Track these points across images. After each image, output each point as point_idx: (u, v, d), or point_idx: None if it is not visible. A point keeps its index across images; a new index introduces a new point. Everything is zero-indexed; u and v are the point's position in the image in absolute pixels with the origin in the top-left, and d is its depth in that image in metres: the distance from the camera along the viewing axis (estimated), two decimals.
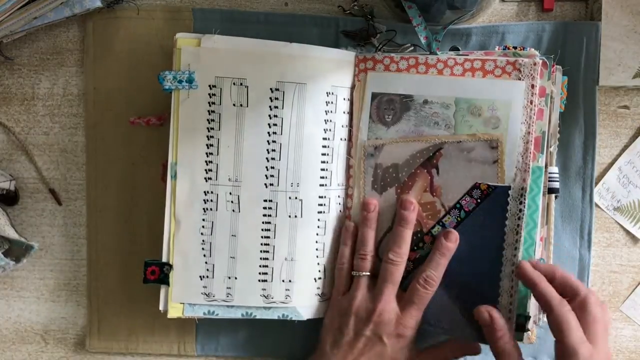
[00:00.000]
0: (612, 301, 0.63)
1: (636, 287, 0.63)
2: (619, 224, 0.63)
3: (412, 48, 0.60)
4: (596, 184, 0.62)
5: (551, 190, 0.57)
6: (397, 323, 0.55)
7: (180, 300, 0.59)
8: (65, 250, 0.65)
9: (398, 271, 0.56)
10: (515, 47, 0.57)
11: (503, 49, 0.57)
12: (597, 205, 0.62)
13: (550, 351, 0.62)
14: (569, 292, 0.52)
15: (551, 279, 0.53)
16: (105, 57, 0.63)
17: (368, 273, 0.57)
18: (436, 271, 0.55)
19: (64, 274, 0.65)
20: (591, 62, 0.60)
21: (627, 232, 0.63)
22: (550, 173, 0.57)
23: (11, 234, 0.62)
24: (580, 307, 0.51)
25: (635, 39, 0.60)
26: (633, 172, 0.62)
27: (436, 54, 0.57)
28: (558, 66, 0.57)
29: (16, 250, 0.63)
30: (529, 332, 0.57)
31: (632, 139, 0.63)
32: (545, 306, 0.51)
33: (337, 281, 0.59)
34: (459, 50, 0.59)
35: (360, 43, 0.62)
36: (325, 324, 0.58)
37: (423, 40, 0.57)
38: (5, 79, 0.64)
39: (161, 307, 0.59)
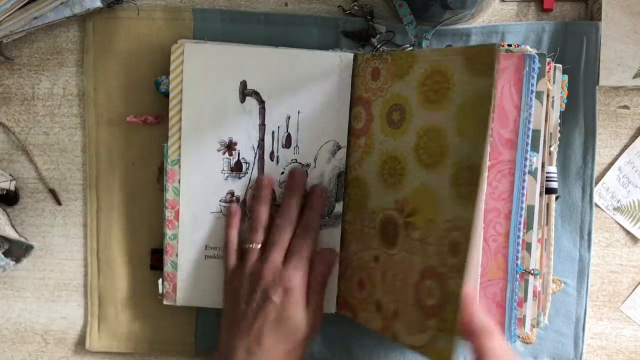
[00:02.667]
0: (612, 301, 0.63)
1: (636, 287, 0.63)
2: (618, 224, 0.63)
3: (411, 48, 0.60)
4: (596, 184, 0.62)
5: (549, 191, 0.57)
6: (281, 278, 0.54)
7: (186, 302, 0.61)
8: (65, 250, 0.65)
9: (284, 235, 0.57)
10: (509, 45, 0.57)
11: (497, 47, 0.57)
12: (597, 205, 0.62)
13: (550, 351, 0.62)
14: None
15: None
16: (105, 57, 0.63)
17: (259, 245, 0.57)
18: (310, 223, 0.57)
19: (64, 274, 0.65)
20: (591, 62, 0.60)
21: (627, 232, 0.63)
22: (548, 173, 0.57)
23: (11, 234, 0.62)
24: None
25: (635, 39, 0.60)
26: (633, 172, 0.62)
27: None
28: (558, 65, 0.57)
29: (16, 250, 0.63)
30: (529, 333, 0.57)
31: (632, 139, 0.63)
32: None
33: (227, 259, 0.59)
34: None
35: (361, 43, 0.62)
36: (223, 304, 0.58)
37: (413, 39, 0.58)
38: (5, 79, 0.64)
39: (160, 291, 0.61)
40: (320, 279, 0.57)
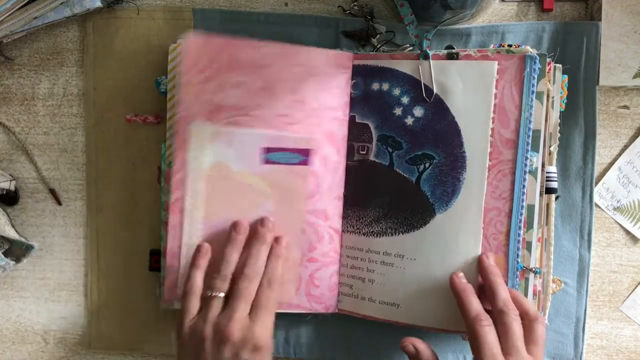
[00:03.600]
0: (612, 301, 0.63)
1: (636, 287, 0.63)
2: (618, 224, 0.63)
3: (411, 48, 0.60)
4: (596, 184, 0.62)
5: (549, 190, 0.57)
6: (251, 336, 0.52)
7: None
8: (65, 250, 0.65)
9: (252, 288, 0.54)
10: (510, 45, 0.57)
11: (498, 47, 0.57)
12: (597, 205, 0.62)
13: (550, 351, 0.62)
14: (490, 300, 0.53)
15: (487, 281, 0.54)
16: (105, 57, 0.63)
17: (223, 294, 0.54)
18: (275, 273, 0.55)
19: (64, 274, 0.65)
20: (591, 62, 0.60)
21: (627, 232, 0.63)
22: (548, 173, 0.57)
23: (11, 234, 0.62)
24: (498, 317, 0.51)
25: (635, 39, 0.60)
26: (633, 172, 0.62)
27: (427, 53, 0.57)
28: (558, 65, 0.57)
29: (16, 250, 0.63)
30: None
31: (632, 139, 0.63)
32: (465, 321, 0.52)
33: (188, 304, 0.55)
34: (453, 48, 0.59)
35: (361, 43, 0.62)
36: (180, 353, 0.54)
37: (414, 39, 0.58)
38: (5, 79, 0.64)
39: (157, 293, 0.61)
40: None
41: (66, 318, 0.66)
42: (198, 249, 0.57)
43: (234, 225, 0.57)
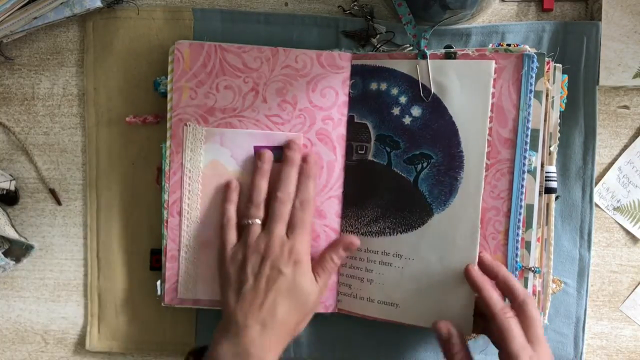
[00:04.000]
0: (612, 301, 0.63)
1: (636, 287, 0.63)
2: (618, 224, 0.63)
3: (410, 48, 0.60)
4: (596, 184, 0.62)
5: (549, 190, 0.57)
6: (290, 251, 0.54)
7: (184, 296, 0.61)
8: (65, 250, 0.65)
9: (286, 208, 0.56)
10: (509, 45, 0.57)
11: (496, 46, 0.57)
12: (597, 205, 0.62)
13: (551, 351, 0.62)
14: (507, 293, 0.53)
15: (494, 277, 0.54)
16: (105, 57, 0.63)
17: (259, 220, 0.56)
18: (307, 192, 0.57)
19: (64, 274, 0.65)
20: (591, 62, 0.60)
21: (627, 232, 0.63)
22: (548, 172, 0.57)
23: (11, 234, 0.62)
24: (519, 309, 0.51)
25: (635, 39, 0.60)
26: (633, 172, 0.62)
27: (424, 52, 0.57)
28: (558, 65, 0.57)
29: (16, 250, 0.63)
30: None
31: (632, 139, 0.63)
32: (489, 313, 0.52)
33: (226, 235, 0.57)
34: (452, 48, 0.59)
35: (361, 43, 0.62)
36: (222, 281, 0.57)
37: (412, 38, 0.58)
38: (5, 79, 0.64)
39: (159, 292, 0.60)
40: (330, 263, 0.57)
41: (66, 318, 0.66)
42: (228, 185, 0.59)
43: (259, 155, 0.58)
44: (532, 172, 0.55)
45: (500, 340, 0.50)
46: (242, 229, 0.57)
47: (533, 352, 0.49)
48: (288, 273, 0.54)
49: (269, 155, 0.58)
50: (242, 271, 0.55)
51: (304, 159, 0.58)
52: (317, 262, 0.57)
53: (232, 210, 0.58)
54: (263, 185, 0.57)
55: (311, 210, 0.57)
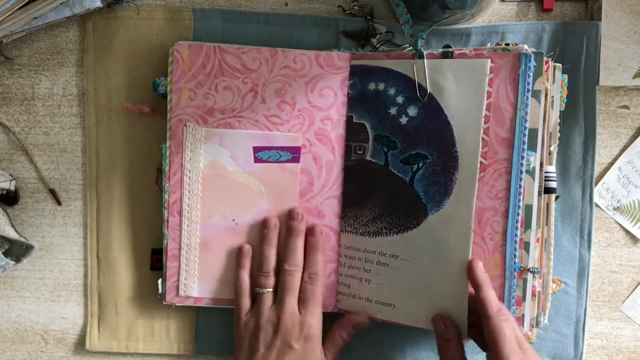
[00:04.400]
0: (612, 301, 0.63)
1: (636, 287, 0.63)
2: (618, 224, 0.63)
3: (410, 48, 0.60)
4: (596, 184, 0.62)
5: (548, 190, 0.57)
6: (302, 326, 0.56)
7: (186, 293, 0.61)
8: (65, 250, 0.65)
9: (296, 279, 0.58)
10: (507, 44, 0.56)
11: (495, 45, 0.57)
12: (597, 205, 0.62)
13: (550, 351, 0.62)
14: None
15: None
16: (105, 57, 0.63)
17: (271, 289, 0.58)
18: (316, 266, 0.58)
19: (64, 274, 0.65)
20: (591, 62, 0.60)
21: (627, 232, 0.63)
22: (547, 172, 0.56)
23: (11, 234, 0.62)
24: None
25: (635, 39, 0.60)
26: (633, 172, 0.62)
27: (421, 52, 0.57)
28: (557, 64, 0.57)
29: (16, 250, 0.63)
30: (529, 332, 0.57)
31: (632, 139, 0.63)
32: (483, 313, 0.52)
33: (240, 301, 0.59)
34: (450, 47, 0.59)
35: (361, 43, 0.62)
36: (236, 345, 0.58)
37: (409, 38, 0.58)
38: (5, 79, 0.64)
39: (160, 290, 0.61)
40: (340, 340, 0.59)
41: (66, 318, 0.66)
42: (240, 250, 0.60)
43: (265, 223, 0.60)
44: (530, 172, 0.55)
45: (491, 342, 0.50)
46: (256, 295, 0.59)
47: (523, 356, 0.49)
48: (298, 348, 0.56)
49: (274, 223, 0.60)
50: (255, 340, 0.57)
51: (310, 231, 0.59)
52: (328, 338, 0.59)
53: (245, 276, 0.59)
54: (272, 254, 0.59)
55: (321, 282, 0.58)
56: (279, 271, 0.59)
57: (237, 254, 0.60)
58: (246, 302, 0.59)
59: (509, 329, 0.50)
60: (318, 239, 0.59)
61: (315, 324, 0.57)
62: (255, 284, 0.59)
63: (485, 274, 0.54)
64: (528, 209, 0.55)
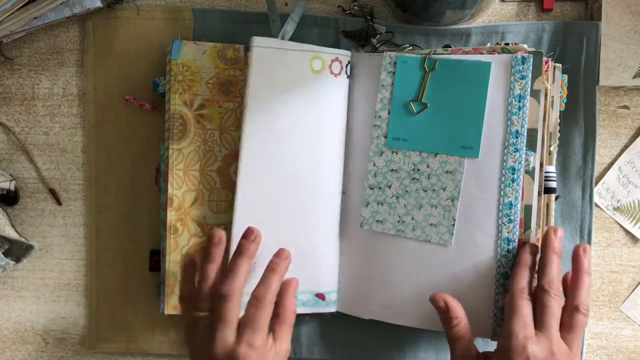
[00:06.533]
0: (612, 301, 0.63)
1: (636, 287, 0.63)
2: (618, 224, 0.63)
3: (410, 48, 0.60)
4: (596, 184, 0.62)
5: (548, 190, 0.57)
6: (229, 354, 0.51)
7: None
8: (65, 250, 0.65)
9: (232, 305, 0.52)
10: (507, 44, 0.56)
11: (494, 45, 0.57)
12: (597, 205, 0.62)
13: None
14: (539, 274, 0.53)
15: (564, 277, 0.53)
16: (105, 57, 0.63)
17: (206, 312, 0.53)
18: (266, 288, 0.53)
19: (64, 274, 0.65)
20: (591, 62, 0.60)
21: (627, 232, 0.63)
22: (547, 172, 0.56)
23: (11, 234, 0.62)
24: (570, 308, 0.51)
25: (635, 39, 0.60)
26: (633, 172, 0.62)
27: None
28: (557, 64, 0.57)
29: (16, 250, 0.63)
30: None
31: (632, 139, 0.63)
32: (510, 290, 0.52)
33: (198, 305, 0.54)
34: (450, 47, 0.59)
35: (360, 43, 0.62)
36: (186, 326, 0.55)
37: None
38: (5, 79, 0.64)
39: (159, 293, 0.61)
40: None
41: (66, 318, 0.66)
42: (210, 237, 0.56)
43: (246, 233, 0.55)
44: (530, 173, 0.55)
45: (505, 320, 0.50)
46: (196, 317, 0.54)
47: (534, 335, 0.49)
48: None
49: (256, 234, 0.55)
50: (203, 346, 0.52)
51: (277, 253, 0.55)
52: (278, 322, 0.54)
53: (211, 270, 0.55)
54: (243, 266, 0.54)
55: (265, 308, 0.52)
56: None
57: (209, 242, 0.56)
58: (203, 304, 0.54)
59: (526, 308, 0.50)
60: (280, 262, 0.54)
61: (251, 354, 0.50)
62: (193, 305, 0.54)
63: (530, 257, 0.53)
64: (527, 209, 0.55)
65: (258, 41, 0.57)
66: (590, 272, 0.54)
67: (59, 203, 0.65)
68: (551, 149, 0.57)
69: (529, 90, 0.54)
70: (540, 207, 0.56)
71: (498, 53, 0.55)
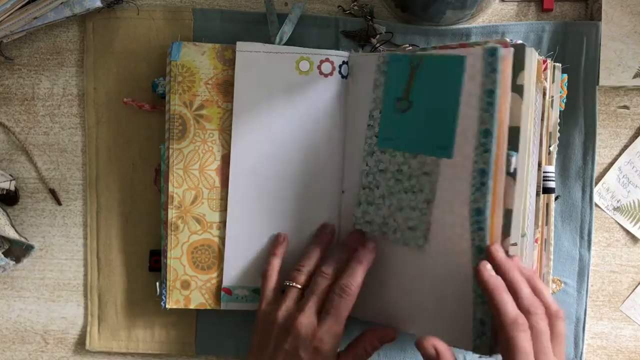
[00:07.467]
0: (612, 301, 0.63)
1: (636, 287, 0.63)
2: (618, 224, 0.63)
3: (410, 47, 0.60)
4: (596, 184, 0.62)
5: (547, 190, 0.56)
6: (313, 336, 0.52)
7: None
8: (65, 250, 0.65)
9: (326, 285, 0.54)
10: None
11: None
12: (597, 205, 0.62)
13: None
14: (514, 297, 0.48)
15: (502, 277, 0.49)
16: (105, 57, 0.63)
17: (300, 286, 0.55)
18: (352, 279, 0.53)
19: (64, 274, 0.65)
20: (591, 62, 0.60)
21: (627, 232, 0.63)
22: (545, 172, 0.56)
23: (11, 234, 0.62)
24: (550, 320, 0.48)
25: (635, 39, 0.60)
26: (633, 172, 0.62)
27: None
28: (557, 64, 0.57)
29: (16, 250, 0.63)
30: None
31: (632, 139, 0.63)
32: (498, 322, 0.47)
33: (266, 291, 0.57)
34: None
35: (360, 43, 0.62)
36: (254, 332, 0.56)
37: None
38: (5, 79, 0.64)
39: (158, 293, 0.61)
40: (363, 354, 0.54)
41: (66, 318, 0.66)
42: (276, 237, 0.59)
43: (322, 227, 0.59)
44: (512, 174, 0.49)
45: (503, 353, 0.46)
46: (282, 287, 0.57)
47: None
48: (304, 358, 0.52)
49: (330, 230, 0.59)
50: (267, 335, 0.54)
51: (364, 245, 0.55)
52: (349, 349, 0.55)
53: (276, 263, 0.58)
54: (315, 255, 0.57)
55: (351, 299, 0.53)
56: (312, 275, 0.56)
57: (273, 241, 0.59)
58: (269, 292, 0.56)
59: (525, 340, 0.45)
60: (366, 254, 0.55)
61: (328, 340, 0.52)
62: (287, 276, 0.56)
63: (498, 279, 0.48)
64: (508, 214, 0.49)
65: (242, 46, 0.58)
66: (531, 275, 0.50)
67: (59, 203, 0.65)
68: (551, 148, 0.57)
69: (498, 84, 0.48)
70: (539, 207, 0.55)
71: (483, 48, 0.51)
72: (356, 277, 0.54)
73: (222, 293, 0.60)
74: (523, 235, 0.50)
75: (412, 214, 0.54)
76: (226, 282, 0.60)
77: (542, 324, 0.47)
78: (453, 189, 0.51)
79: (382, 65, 0.57)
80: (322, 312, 0.53)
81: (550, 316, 0.48)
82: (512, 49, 0.49)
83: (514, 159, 0.49)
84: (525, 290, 0.48)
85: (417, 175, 0.54)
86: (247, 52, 0.58)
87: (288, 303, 0.55)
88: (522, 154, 0.49)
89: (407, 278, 0.55)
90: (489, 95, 0.49)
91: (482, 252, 0.50)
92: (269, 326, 0.54)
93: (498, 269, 0.49)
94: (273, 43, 0.59)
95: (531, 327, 0.46)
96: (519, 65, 0.49)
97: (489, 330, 0.50)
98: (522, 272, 0.49)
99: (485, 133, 0.49)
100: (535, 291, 0.49)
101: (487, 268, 0.49)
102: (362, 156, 0.58)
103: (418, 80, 0.54)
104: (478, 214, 0.50)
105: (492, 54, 0.49)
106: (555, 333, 0.48)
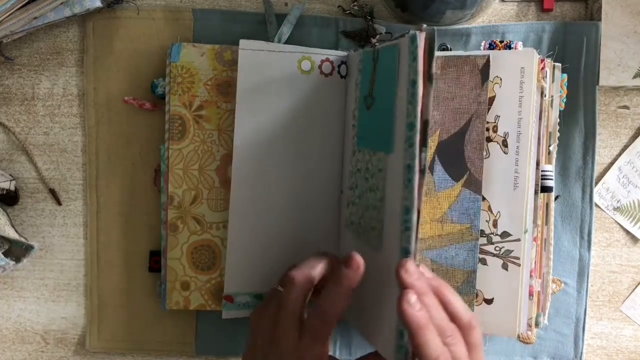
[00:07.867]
0: (612, 301, 0.63)
1: (636, 287, 0.63)
2: (618, 224, 0.63)
3: (375, 41, 0.60)
4: (596, 184, 0.62)
5: (545, 189, 0.56)
6: (292, 354, 0.47)
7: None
8: (65, 250, 0.65)
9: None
10: (502, 41, 0.56)
11: (489, 43, 0.56)
12: (597, 205, 0.62)
13: (550, 351, 0.62)
14: (450, 316, 0.46)
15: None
16: (105, 57, 0.63)
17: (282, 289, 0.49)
18: (329, 302, 0.48)
19: (64, 274, 0.65)
20: (591, 62, 0.60)
21: (627, 232, 0.63)
22: (543, 171, 0.56)
23: (11, 234, 0.62)
24: (464, 332, 0.46)
25: (635, 39, 0.60)
26: (633, 172, 0.62)
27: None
28: (557, 64, 0.57)
29: (16, 250, 0.63)
30: (529, 333, 0.57)
31: (632, 139, 0.63)
32: (419, 356, 0.43)
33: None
34: (446, 47, 0.59)
35: (360, 43, 0.62)
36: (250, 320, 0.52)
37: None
38: (5, 79, 0.64)
39: (158, 292, 0.61)
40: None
41: (66, 318, 0.66)
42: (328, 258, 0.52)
43: (349, 259, 0.49)
44: (422, 171, 0.45)
45: None
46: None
47: None
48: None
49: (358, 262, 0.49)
50: (257, 338, 0.50)
51: (347, 263, 0.48)
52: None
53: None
54: (318, 265, 0.51)
55: (328, 324, 0.47)
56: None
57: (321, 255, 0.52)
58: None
59: None
60: (351, 274, 0.48)
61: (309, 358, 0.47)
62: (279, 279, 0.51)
63: (424, 316, 0.43)
64: (407, 210, 0.45)
65: (245, 44, 0.57)
66: (438, 286, 0.47)
67: (59, 203, 0.65)
68: (551, 148, 0.57)
69: (419, 74, 0.44)
70: (536, 207, 0.56)
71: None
72: (336, 301, 0.48)
73: (224, 301, 0.58)
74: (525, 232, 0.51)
75: (372, 214, 0.51)
76: (228, 289, 0.58)
77: (460, 348, 0.45)
78: (393, 186, 0.48)
79: (359, 64, 0.56)
80: (303, 328, 0.48)
81: (463, 328, 0.46)
82: (417, 33, 0.44)
83: (423, 155, 0.45)
84: (438, 317, 0.45)
85: (374, 172, 0.51)
86: (250, 51, 0.58)
87: (273, 304, 0.50)
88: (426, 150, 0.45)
89: (372, 281, 0.51)
90: (412, 86, 0.45)
91: (408, 254, 0.45)
92: (259, 330, 0.50)
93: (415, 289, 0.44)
94: None
95: (453, 358, 0.44)
96: (431, 53, 0.45)
97: (408, 344, 0.45)
98: (430, 284, 0.46)
99: (410, 126, 0.45)
100: (445, 304, 0.46)
101: (411, 301, 0.44)
102: (349, 157, 0.58)
103: (377, 75, 0.52)
104: (407, 213, 0.45)
105: (412, 41, 0.45)
106: (471, 344, 0.46)
